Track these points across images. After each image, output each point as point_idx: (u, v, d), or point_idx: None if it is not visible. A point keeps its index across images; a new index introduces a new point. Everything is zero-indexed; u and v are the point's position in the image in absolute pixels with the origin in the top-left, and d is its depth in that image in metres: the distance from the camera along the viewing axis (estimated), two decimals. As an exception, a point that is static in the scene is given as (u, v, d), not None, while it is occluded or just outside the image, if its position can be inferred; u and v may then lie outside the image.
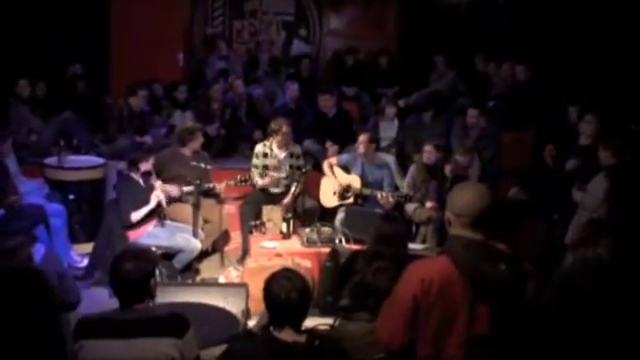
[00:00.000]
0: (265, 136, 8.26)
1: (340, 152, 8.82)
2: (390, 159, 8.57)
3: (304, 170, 7.81)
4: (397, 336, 3.20)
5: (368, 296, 4.27)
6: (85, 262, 7.21)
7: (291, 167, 7.88)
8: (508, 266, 3.13)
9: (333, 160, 8.18)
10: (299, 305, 3.29)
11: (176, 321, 3.51)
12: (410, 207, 7.75)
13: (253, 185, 7.80)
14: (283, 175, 7.85)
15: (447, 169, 7.91)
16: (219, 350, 4.12)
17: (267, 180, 7.75)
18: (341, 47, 12.44)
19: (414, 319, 3.12)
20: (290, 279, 3.32)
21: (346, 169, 8.05)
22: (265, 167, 7.88)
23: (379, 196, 7.59)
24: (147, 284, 3.56)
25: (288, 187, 7.85)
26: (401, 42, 12.46)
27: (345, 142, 9.13)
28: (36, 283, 4.11)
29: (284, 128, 7.71)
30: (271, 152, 7.84)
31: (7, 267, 4.18)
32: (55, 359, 4.03)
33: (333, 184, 7.96)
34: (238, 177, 7.63)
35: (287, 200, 7.64)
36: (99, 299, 5.98)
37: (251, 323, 5.29)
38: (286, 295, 3.25)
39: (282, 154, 7.84)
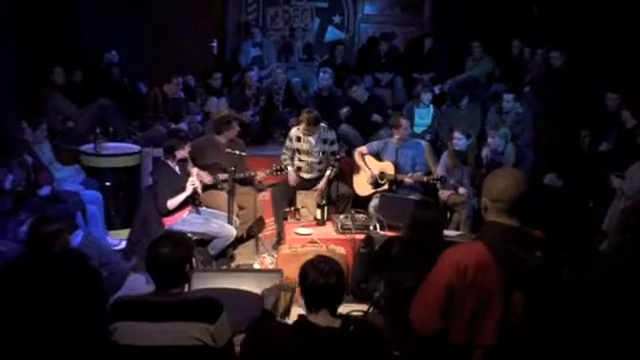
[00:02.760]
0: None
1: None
2: (424, 144, 8.54)
3: (338, 156, 7.81)
4: (431, 322, 3.18)
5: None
6: (122, 246, 7.28)
7: (324, 153, 7.87)
8: (544, 253, 3.10)
9: (364, 149, 8.18)
10: (337, 289, 3.30)
11: (209, 306, 3.51)
12: (444, 193, 7.72)
13: (285, 174, 7.81)
14: (315, 160, 7.87)
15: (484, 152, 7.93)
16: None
17: (292, 176, 7.80)
18: (375, 33, 12.37)
19: (449, 305, 3.11)
20: (328, 263, 3.33)
21: (377, 156, 8.03)
22: (297, 151, 7.90)
23: (406, 180, 7.62)
24: (183, 269, 3.57)
25: (321, 172, 7.86)
26: (436, 27, 12.36)
27: (379, 127, 9.13)
28: (83, 269, 4.14)
29: (307, 117, 7.70)
30: (304, 136, 7.85)
31: (54, 253, 4.22)
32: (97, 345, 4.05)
33: (366, 173, 7.96)
34: (273, 167, 7.65)
35: (321, 184, 7.65)
36: (136, 284, 6.03)
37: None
38: (325, 279, 3.26)
39: (313, 139, 7.84)
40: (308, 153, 7.88)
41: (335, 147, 7.96)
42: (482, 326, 3.08)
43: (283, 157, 7.92)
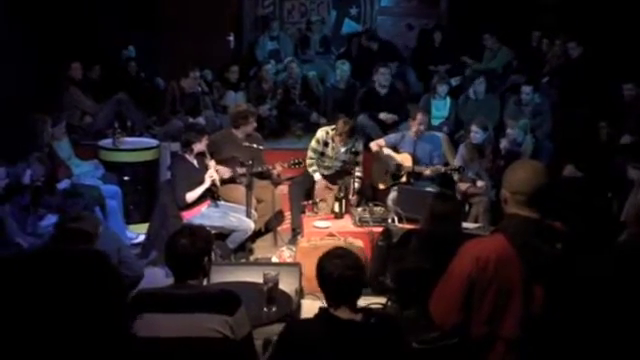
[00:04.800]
0: (327, 120, 8.20)
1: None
2: (442, 137, 8.52)
3: (354, 150, 7.77)
4: (451, 316, 3.17)
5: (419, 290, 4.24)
6: (140, 240, 7.31)
7: (344, 162, 7.83)
8: (564, 245, 3.08)
9: (381, 142, 8.14)
10: (353, 283, 3.28)
11: (228, 298, 3.53)
12: (462, 186, 7.70)
13: (303, 167, 7.79)
14: (337, 165, 7.87)
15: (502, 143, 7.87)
16: (271, 329, 4.16)
17: (321, 182, 7.76)
18: (391, 25, 12.37)
19: (469, 298, 3.09)
20: (342, 257, 3.31)
21: (394, 148, 8.00)
22: (322, 154, 7.85)
23: (428, 171, 7.60)
24: (201, 261, 3.59)
25: (338, 171, 7.87)
26: (453, 19, 12.31)
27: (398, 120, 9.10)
28: (101, 266, 4.14)
29: (346, 130, 7.60)
30: (332, 142, 7.79)
31: (72, 250, 4.22)
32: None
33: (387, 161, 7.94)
34: (291, 160, 7.64)
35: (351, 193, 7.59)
36: (155, 278, 6.04)
37: (305, 302, 5.34)
38: (339, 274, 3.25)
39: (343, 148, 7.78)
40: (332, 159, 7.86)
41: (360, 158, 7.86)
42: (503, 319, 3.07)
43: (310, 162, 7.81)
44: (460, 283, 3.10)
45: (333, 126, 7.79)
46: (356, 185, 7.55)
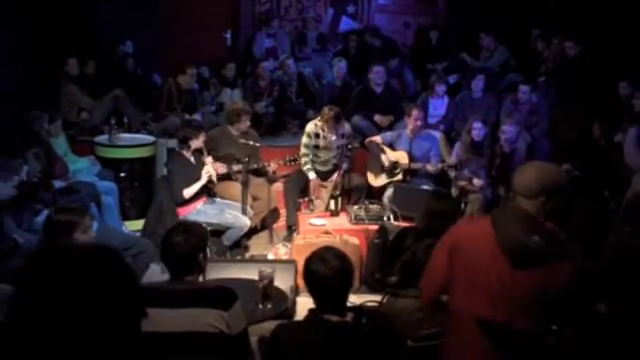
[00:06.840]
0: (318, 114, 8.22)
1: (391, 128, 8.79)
2: (439, 135, 8.51)
3: (350, 147, 7.78)
4: (433, 290, 3.43)
5: (418, 273, 4.25)
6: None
7: (339, 147, 7.84)
8: (543, 238, 3.07)
9: (377, 139, 8.13)
10: (336, 286, 3.24)
11: (223, 293, 3.54)
12: (458, 184, 7.70)
13: (298, 164, 7.79)
14: (333, 154, 7.85)
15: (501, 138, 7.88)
16: (267, 325, 4.17)
17: (315, 182, 7.78)
18: (388, 23, 12.36)
19: (447, 273, 3.29)
20: (326, 261, 3.25)
21: (391, 146, 8.00)
22: (316, 147, 7.86)
23: (427, 167, 7.60)
24: (196, 257, 3.62)
25: (336, 165, 7.85)
26: (450, 18, 12.31)
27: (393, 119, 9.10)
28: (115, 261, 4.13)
29: (332, 116, 7.62)
30: (323, 132, 7.79)
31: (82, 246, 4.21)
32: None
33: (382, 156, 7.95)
34: (287, 157, 7.64)
35: (336, 177, 7.63)
36: (151, 275, 6.06)
37: (300, 299, 5.34)
38: (323, 277, 3.21)
39: (334, 136, 7.79)
40: (327, 149, 7.86)
41: (350, 140, 7.91)
42: (476, 296, 3.18)
43: (304, 160, 7.81)
44: (441, 256, 3.31)
45: (319, 117, 7.82)
46: (348, 154, 7.65)
